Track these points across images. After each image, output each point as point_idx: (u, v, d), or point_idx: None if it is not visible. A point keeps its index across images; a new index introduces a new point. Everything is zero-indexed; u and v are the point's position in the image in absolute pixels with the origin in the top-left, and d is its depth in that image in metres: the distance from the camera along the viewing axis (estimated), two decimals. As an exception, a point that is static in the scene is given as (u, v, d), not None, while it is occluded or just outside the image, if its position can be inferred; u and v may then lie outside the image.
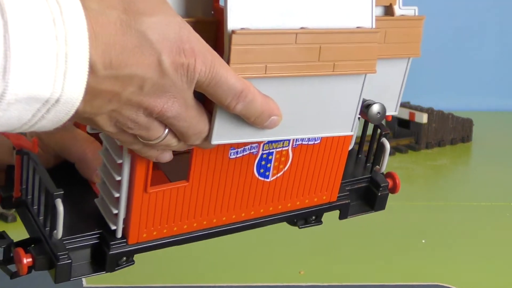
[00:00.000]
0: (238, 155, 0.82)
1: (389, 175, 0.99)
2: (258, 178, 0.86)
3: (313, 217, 0.97)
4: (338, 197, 0.94)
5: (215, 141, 0.73)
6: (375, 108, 0.83)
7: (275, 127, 0.73)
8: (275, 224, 1.51)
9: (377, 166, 0.97)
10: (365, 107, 0.83)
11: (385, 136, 0.95)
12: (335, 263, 1.34)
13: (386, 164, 0.96)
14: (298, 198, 0.91)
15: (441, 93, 2.51)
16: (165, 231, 0.86)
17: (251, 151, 0.83)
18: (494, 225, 1.52)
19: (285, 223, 0.99)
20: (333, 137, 0.87)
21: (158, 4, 0.63)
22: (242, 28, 0.70)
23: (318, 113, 0.78)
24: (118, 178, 0.78)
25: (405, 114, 2.02)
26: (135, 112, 0.66)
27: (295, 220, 0.97)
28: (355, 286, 1.26)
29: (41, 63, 0.59)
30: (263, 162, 0.85)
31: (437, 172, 1.84)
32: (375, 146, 0.97)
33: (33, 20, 0.58)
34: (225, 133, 0.73)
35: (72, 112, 0.62)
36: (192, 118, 0.69)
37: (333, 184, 0.92)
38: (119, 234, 0.84)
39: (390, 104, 0.89)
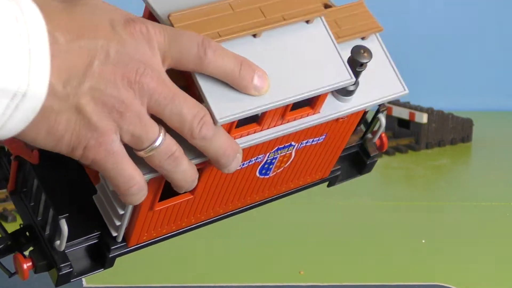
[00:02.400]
0: (243, 166, 0.81)
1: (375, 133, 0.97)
2: (258, 177, 0.86)
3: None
4: (330, 171, 0.94)
5: (220, 118, 0.69)
6: (357, 48, 0.81)
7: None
8: (275, 224, 1.52)
9: (370, 136, 0.96)
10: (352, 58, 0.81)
11: (383, 111, 0.94)
12: (335, 263, 1.34)
13: (379, 136, 0.96)
14: (293, 182, 0.91)
15: (441, 93, 2.51)
16: (164, 231, 0.86)
17: (257, 160, 0.82)
18: (494, 225, 1.52)
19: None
20: (336, 136, 0.86)
21: None
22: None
23: (305, 67, 0.76)
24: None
25: (405, 114, 2.02)
26: (114, 85, 0.63)
27: None
28: (355, 286, 1.26)
29: (4, 47, 0.59)
30: (266, 165, 0.85)
31: (437, 172, 1.83)
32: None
33: None
34: (224, 108, 0.70)
35: (43, 94, 0.61)
36: (176, 95, 0.66)
37: (328, 166, 0.92)
38: (120, 239, 0.84)
39: (395, 85, 0.87)
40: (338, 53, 0.79)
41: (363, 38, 0.89)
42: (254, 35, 0.73)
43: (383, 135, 0.97)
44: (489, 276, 1.30)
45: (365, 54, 0.81)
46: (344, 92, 0.82)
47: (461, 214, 1.57)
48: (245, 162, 0.80)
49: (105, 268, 0.85)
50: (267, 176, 0.86)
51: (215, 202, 0.85)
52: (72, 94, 0.63)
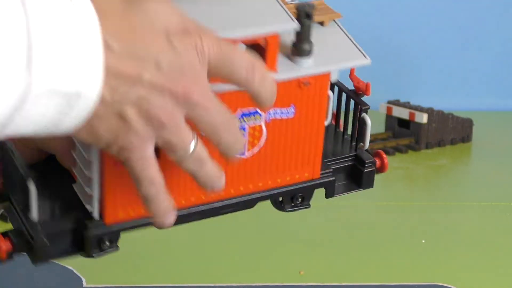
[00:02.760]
0: None
1: (377, 154, 0.97)
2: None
3: (299, 199, 0.94)
4: (321, 174, 0.92)
5: None
6: (301, 2, 0.83)
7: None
8: (275, 224, 1.52)
9: (361, 144, 0.96)
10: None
11: (365, 111, 0.95)
12: (335, 263, 1.34)
13: (369, 139, 0.96)
14: (278, 174, 0.89)
15: (441, 93, 2.51)
16: (142, 210, 0.81)
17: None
18: (494, 225, 1.52)
19: (275, 210, 0.95)
20: (307, 111, 0.86)
21: None
22: None
23: (248, 16, 0.78)
24: (89, 159, 0.77)
25: (405, 114, 2.02)
26: (161, 97, 0.65)
27: (282, 203, 0.93)
28: (355, 286, 1.26)
29: (61, 51, 0.60)
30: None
31: (437, 172, 1.84)
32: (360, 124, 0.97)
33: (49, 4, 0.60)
34: None
35: (95, 97, 0.62)
36: (215, 108, 0.68)
37: (314, 159, 0.90)
38: (96, 216, 0.82)
39: (357, 56, 0.89)
40: (281, 5, 0.80)
41: (322, 24, 0.91)
42: None
43: (383, 154, 0.97)
44: (489, 276, 1.30)
45: (309, 6, 0.82)
46: (300, 52, 0.83)
47: (461, 214, 1.57)
48: None
49: (87, 253, 0.84)
50: (244, 156, 0.85)
51: (192, 180, 0.78)
52: (118, 102, 0.64)
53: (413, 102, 2.11)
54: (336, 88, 0.98)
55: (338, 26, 0.92)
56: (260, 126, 0.85)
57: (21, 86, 0.59)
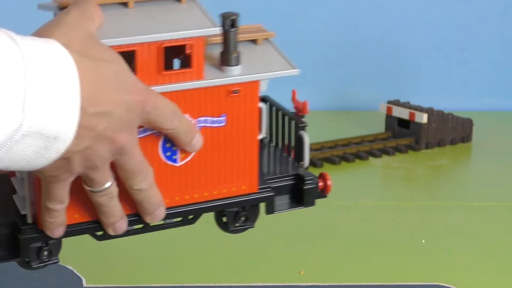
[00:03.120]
0: (140, 136, 0.83)
1: (321, 175, 0.97)
2: (166, 162, 0.86)
3: (242, 218, 0.95)
4: (259, 189, 0.92)
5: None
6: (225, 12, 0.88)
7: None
8: (275, 224, 1.52)
9: (301, 162, 0.97)
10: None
11: (303, 128, 0.96)
12: (335, 263, 1.34)
13: (309, 156, 0.96)
14: (214, 186, 0.90)
15: (441, 93, 2.51)
16: (76, 216, 0.85)
17: (153, 132, 0.84)
18: (494, 225, 1.52)
19: (216, 229, 0.98)
20: (238, 120, 0.88)
21: (112, 53, 0.77)
22: None
23: (171, 22, 0.84)
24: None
25: (405, 114, 2.02)
26: (105, 147, 0.76)
27: (224, 221, 0.95)
28: (355, 286, 1.26)
29: (47, 100, 0.70)
30: (168, 144, 0.85)
31: (437, 172, 1.84)
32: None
33: (44, 67, 0.70)
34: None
35: (63, 149, 0.73)
36: (141, 155, 0.81)
37: (250, 172, 0.91)
38: (30, 219, 0.84)
39: (285, 66, 0.93)
40: (204, 13, 0.86)
41: (255, 42, 0.94)
42: (126, 4, 0.83)
43: (327, 176, 0.97)
44: (489, 276, 1.30)
45: (232, 14, 0.88)
46: (227, 61, 0.86)
47: (461, 214, 1.57)
48: (142, 129, 0.83)
49: (21, 257, 0.85)
50: (176, 164, 0.87)
51: (121, 193, 0.83)
52: (75, 146, 0.74)
53: (413, 102, 2.11)
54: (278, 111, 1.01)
55: (271, 44, 0.95)
56: None
57: (15, 123, 0.69)
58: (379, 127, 2.10)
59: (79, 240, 1.40)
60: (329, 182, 0.97)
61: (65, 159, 0.75)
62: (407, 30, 2.47)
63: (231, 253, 1.37)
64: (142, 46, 0.81)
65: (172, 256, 1.36)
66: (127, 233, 0.87)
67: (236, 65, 0.87)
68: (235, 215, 0.94)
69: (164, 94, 0.82)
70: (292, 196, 0.96)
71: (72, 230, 0.86)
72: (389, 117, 2.06)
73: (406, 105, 2.05)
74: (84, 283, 1.24)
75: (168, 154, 0.86)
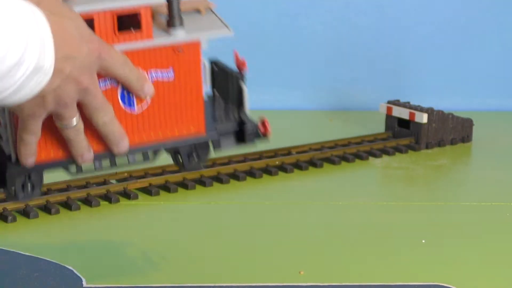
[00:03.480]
0: (101, 87, 0.99)
1: (261, 121, 1.13)
2: (125, 109, 1.03)
3: (194, 157, 1.11)
4: (207, 131, 1.09)
5: None
6: None
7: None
8: (275, 224, 1.52)
9: (242, 108, 1.12)
10: None
11: (242, 79, 1.12)
12: (335, 263, 1.34)
13: (248, 103, 1.13)
14: (167, 129, 1.07)
15: (441, 93, 2.51)
16: (51, 154, 1.01)
17: (112, 83, 1.01)
18: (494, 225, 1.52)
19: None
20: (185, 73, 1.05)
21: (73, 12, 0.94)
22: None
23: None
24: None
25: (405, 114, 2.02)
26: (73, 88, 0.92)
27: (180, 159, 1.11)
28: (355, 286, 1.26)
29: (37, 40, 0.87)
30: (125, 93, 1.02)
31: (437, 172, 1.84)
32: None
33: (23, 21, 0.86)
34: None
35: (44, 82, 0.88)
36: (102, 95, 0.96)
37: (197, 117, 1.08)
38: (14, 158, 1.00)
39: (221, 28, 1.09)
40: None
41: (200, 12, 1.10)
42: None
43: (266, 121, 1.13)
44: (489, 276, 1.30)
45: None
46: (172, 24, 1.03)
47: (461, 214, 1.57)
48: (102, 81, 0.99)
49: (8, 189, 1.02)
50: (134, 111, 1.03)
51: (91, 130, 0.99)
52: (49, 84, 0.90)
53: (413, 102, 2.11)
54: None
55: (213, 12, 1.11)
56: None
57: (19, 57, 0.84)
58: (379, 127, 2.10)
59: (79, 240, 1.40)
60: (268, 126, 1.13)
61: (40, 97, 0.91)
62: (407, 30, 2.47)
63: (231, 253, 1.37)
64: (98, 14, 1.01)
65: (172, 256, 1.36)
66: (98, 170, 1.06)
67: (180, 28, 1.04)
68: (188, 155, 1.11)
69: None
70: (237, 137, 1.14)
71: (50, 165, 1.02)
72: (389, 117, 2.06)
73: (406, 105, 2.05)
74: (84, 283, 1.24)
75: (127, 102, 1.03)
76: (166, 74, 1.05)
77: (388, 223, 1.52)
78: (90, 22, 0.99)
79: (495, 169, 1.86)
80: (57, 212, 1.50)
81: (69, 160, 1.02)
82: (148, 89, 1.02)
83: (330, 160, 1.85)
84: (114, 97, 1.01)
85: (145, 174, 1.67)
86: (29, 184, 1.03)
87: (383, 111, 2.06)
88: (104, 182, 1.63)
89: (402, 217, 1.55)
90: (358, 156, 1.89)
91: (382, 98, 2.35)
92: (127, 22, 1.03)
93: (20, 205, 1.49)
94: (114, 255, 1.35)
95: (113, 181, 1.64)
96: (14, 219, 1.46)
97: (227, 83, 1.15)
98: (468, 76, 2.52)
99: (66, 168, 1.04)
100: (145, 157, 1.08)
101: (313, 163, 1.83)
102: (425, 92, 2.49)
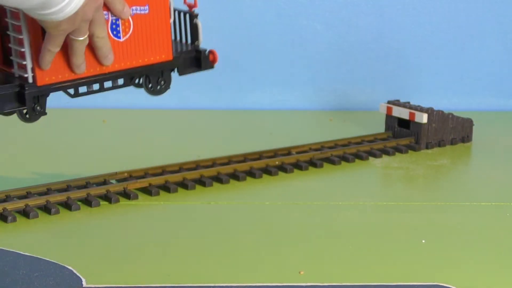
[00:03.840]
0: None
1: (211, 51, 1.48)
2: (113, 38, 1.36)
3: (162, 82, 1.45)
4: (173, 57, 1.44)
5: None
6: None
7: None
8: (275, 224, 1.52)
9: (197, 41, 1.48)
10: None
11: (196, 17, 1.47)
12: (335, 263, 1.34)
13: (202, 36, 1.48)
14: (145, 56, 1.41)
15: (441, 93, 2.51)
16: (60, 76, 1.33)
17: (105, 17, 1.33)
18: (494, 225, 1.52)
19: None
20: (156, 8, 1.39)
21: None
22: None
23: None
24: (21, 37, 1.29)
25: (405, 114, 2.02)
26: (93, 5, 1.25)
27: (149, 84, 1.44)
28: (355, 286, 1.26)
29: None
30: (114, 26, 1.36)
31: (437, 172, 1.84)
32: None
33: None
34: None
35: (76, 9, 1.21)
36: (103, 13, 1.32)
37: (167, 46, 1.42)
38: (30, 80, 1.31)
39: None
40: None
41: None
42: None
43: (215, 51, 1.48)
44: (489, 276, 1.30)
45: None
46: None
47: (461, 214, 1.57)
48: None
49: (27, 106, 1.33)
50: (120, 40, 1.37)
51: (88, 57, 1.33)
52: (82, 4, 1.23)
53: (413, 102, 2.11)
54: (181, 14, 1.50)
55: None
56: (128, 19, 1.37)
57: None
58: (379, 127, 2.10)
59: (79, 240, 1.40)
60: (216, 54, 1.48)
61: (74, 14, 1.21)
62: (407, 30, 2.47)
63: (231, 253, 1.37)
64: None
65: (172, 256, 1.36)
66: (88, 93, 1.39)
67: None
68: (157, 80, 1.44)
69: None
70: (194, 63, 1.48)
71: (55, 88, 1.33)
72: (389, 117, 2.06)
73: (406, 105, 2.05)
74: (84, 283, 1.24)
75: (115, 33, 1.36)
76: (144, 9, 1.39)
77: (388, 223, 1.52)
78: None
79: (495, 169, 1.86)
80: (57, 212, 1.50)
81: (69, 85, 1.35)
82: (127, 11, 1.35)
83: (330, 160, 1.85)
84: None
85: (145, 174, 1.67)
86: (38, 106, 1.35)
87: (383, 111, 2.06)
88: (104, 182, 1.63)
89: (402, 217, 1.55)
90: (358, 156, 1.89)
91: (382, 98, 2.35)
92: None
93: (20, 205, 1.49)
94: (114, 255, 1.35)
95: (113, 181, 1.64)
96: (14, 219, 1.46)
97: (185, 21, 1.49)
98: (468, 76, 2.52)
99: (66, 91, 1.37)
100: (126, 81, 1.42)
101: (313, 163, 1.83)
102: (425, 92, 2.49)
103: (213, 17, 2.39)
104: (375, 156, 1.91)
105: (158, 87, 1.44)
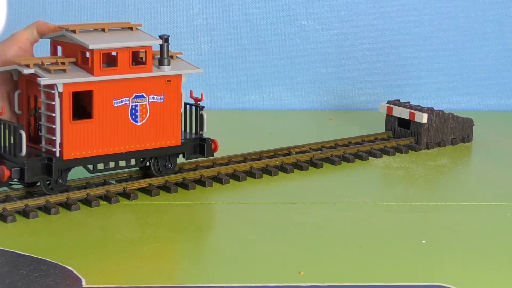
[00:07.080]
0: (118, 105, 1.53)
1: (213, 140, 1.66)
2: (132, 122, 1.55)
3: (169, 164, 1.63)
4: (181, 143, 1.62)
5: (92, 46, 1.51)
6: (161, 36, 1.61)
7: None
8: (275, 223, 1.52)
9: (201, 131, 1.66)
10: None
11: (201, 109, 1.66)
12: (335, 263, 1.34)
13: (206, 127, 1.66)
14: (157, 139, 1.59)
15: (441, 93, 2.51)
16: (83, 152, 1.51)
17: (125, 102, 1.53)
18: (494, 225, 1.52)
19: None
20: (171, 98, 1.58)
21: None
22: None
23: (131, 38, 1.56)
24: (54, 115, 1.47)
25: (405, 114, 2.02)
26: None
27: (157, 165, 1.63)
28: (355, 286, 1.26)
29: None
30: (133, 111, 1.54)
31: (437, 172, 1.84)
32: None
33: None
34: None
35: None
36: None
37: (176, 132, 1.61)
38: (58, 154, 1.49)
39: (193, 68, 1.63)
40: (150, 35, 1.57)
41: (172, 58, 1.61)
42: (103, 30, 1.55)
43: (216, 141, 1.66)
44: (489, 276, 1.30)
45: (166, 35, 1.58)
46: (162, 62, 1.57)
47: (461, 214, 1.57)
48: (119, 100, 1.53)
49: (53, 177, 1.49)
50: (137, 124, 1.55)
51: (111, 136, 1.53)
52: None
53: (413, 102, 2.11)
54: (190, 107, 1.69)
55: (180, 58, 1.63)
56: (146, 105, 1.57)
57: None
58: (379, 127, 2.10)
59: (79, 240, 1.40)
60: (217, 144, 1.66)
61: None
62: (407, 30, 2.47)
63: (231, 253, 1.37)
64: (121, 50, 1.52)
65: (172, 256, 1.36)
66: (105, 170, 1.59)
67: (168, 65, 1.58)
68: (164, 163, 1.62)
69: (131, 80, 1.54)
70: (197, 150, 1.66)
71: (77, 162, 1.53)
72: (389, 117, 2.06)
73: (406, 105, 2.05)
74: (84, 283, 1.24)
75: (134, 117, 1.55)
76: (160, 98, 1.57)
77: (388, 223, 1.52)
78: (114, 57, 1.52)
79: (495, 169, 1.86)
80: (57, 212, 1.50)
81: (89, 160, 1.52)
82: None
83: (330, 160, 1.85)
84: (125, 112, 1.54)
85: (145, 175, 1.67)
86: (60, 179, 1.51)
87: (383, 111, 2.07)
88: (104, 183, 1.63)
89: (402, 217, 1.55)
90: (358, 156, 1.89)
91: (382, 98, 2.35)
92: (135, 58, 1.56)
93: (20, 205, 1.49)
94: (114, 255, 1.35)
95: (113, 182, 1.64)
96: (14, 219, 1.46)
97: (191, 112, 1.67)
98: (468, 76, 2.53)
99: (85, 166, 1.53)
100: (137, 162, 1.60)
101: (313, 163, 1.83)
102: (425, 92, 2.49)
103: (214, 17, 2.39)
104: (375, 156, 1.91)
105: (165, 169, 1.63)
